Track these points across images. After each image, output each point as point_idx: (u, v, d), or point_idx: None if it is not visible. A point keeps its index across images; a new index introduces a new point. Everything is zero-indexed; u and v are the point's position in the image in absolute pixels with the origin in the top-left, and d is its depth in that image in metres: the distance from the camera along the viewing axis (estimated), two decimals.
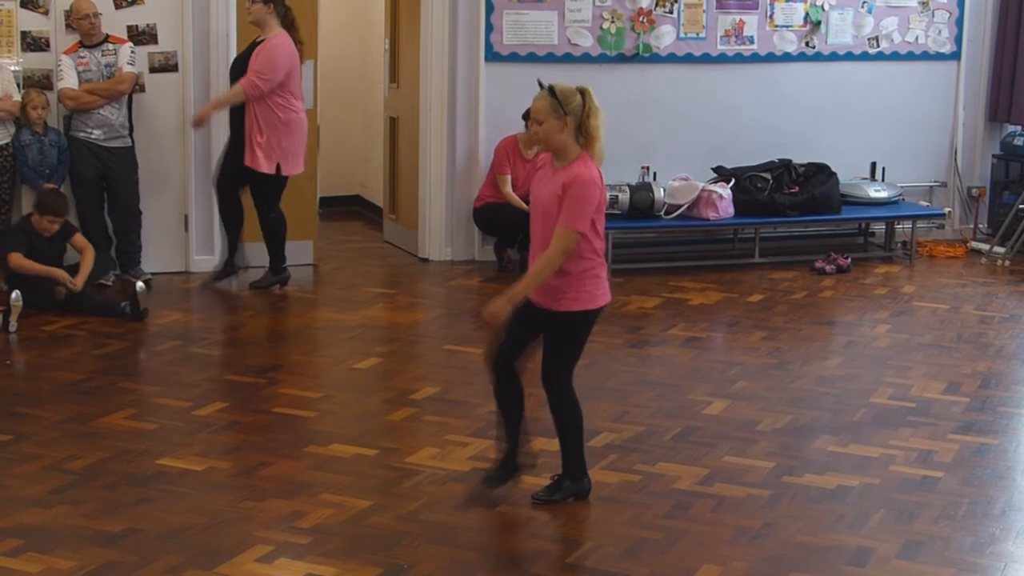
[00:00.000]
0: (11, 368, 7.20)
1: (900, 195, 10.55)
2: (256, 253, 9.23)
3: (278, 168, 8.56)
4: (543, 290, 5.09)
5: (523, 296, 5.04)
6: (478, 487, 5.33)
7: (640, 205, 9.68)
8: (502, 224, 9.53)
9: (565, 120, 4.99)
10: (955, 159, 11.09)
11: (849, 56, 10.68)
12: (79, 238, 8.36)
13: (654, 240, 10.30)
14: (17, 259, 8.05)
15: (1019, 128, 10.90)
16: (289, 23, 8.62)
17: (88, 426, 6.12)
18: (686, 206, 9.72)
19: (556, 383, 5.23)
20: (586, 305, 5.10)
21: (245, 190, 8.78)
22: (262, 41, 8.55)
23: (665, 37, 10.14)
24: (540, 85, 5.10)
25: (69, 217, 8.43)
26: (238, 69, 8.66)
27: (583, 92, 5.04)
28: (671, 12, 10.11)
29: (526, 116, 5.21)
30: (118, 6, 8.96)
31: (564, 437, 5.30)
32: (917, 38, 10.85)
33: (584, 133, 5.03)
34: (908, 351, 7.71)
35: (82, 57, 8.66)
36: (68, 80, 8.63)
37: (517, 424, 5.37)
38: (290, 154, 8.58)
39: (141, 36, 9.01)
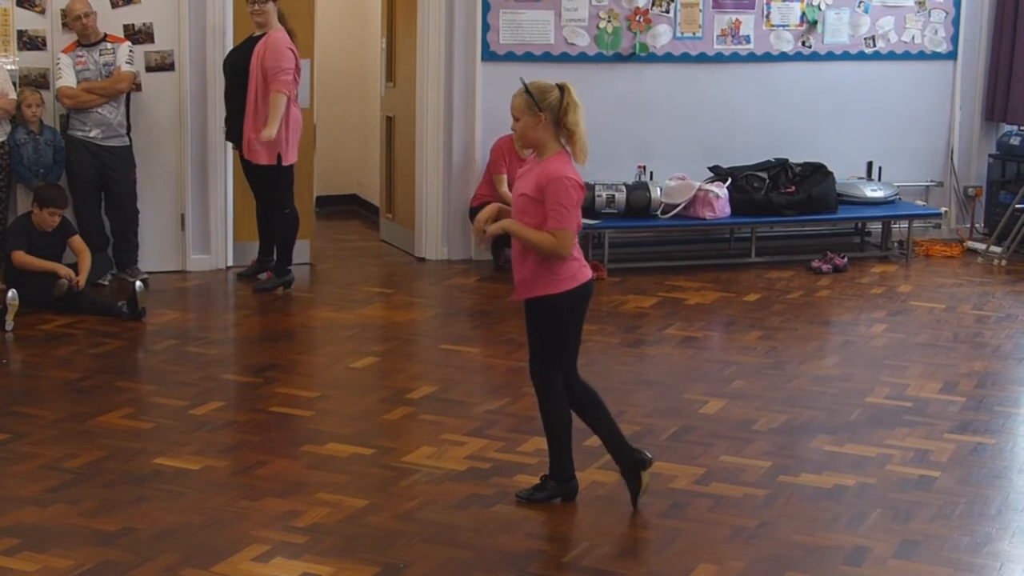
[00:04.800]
0: (8, 367, 7.19)
1: (896, 194, 10.55)
2: (249, 249, 9.25)
3: (279, 159, 8.57)
4: (519, 283, 5.16)
5: (507, 228, 5.05)
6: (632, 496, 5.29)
7: (637, 204, 9.69)
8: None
9: (540, 116, 5.03)
10: (951, 159, 11.09)
11: (846, 56, 10.68)
12: (78, 241, 8.35)
13: (651, 239, 10.31)
14: (20, 256, 8.05)
15: (1015, 127, 10.91)
16: (283, 18, 8.68)
17: (85, 425, 6.12)
18: (683, 205, 9.72)
19: (540, 377, 5.22)
20: (555, 289, 5.09)
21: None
22: (260, 36, 8.57)
23: (662, 36, 10.15)
24: (521, 82, 5.12)
25: (67, 215, 8.42)
26: (235, 65, 8.67)
27: (561, 88, 5.07)
28: (667, 11, 10.11)
29: None
30: (115, 5, 8.96)
31: (549, 436, 5.29)
32: (914, 38, 10.85)
33: (563, 129, 5.06)
34: (904, 350, 7.72)
35: (80, 56, 8.66)
36: (66, 78, 8.63)
37: (607, 429, 5.32)
38: (290, 144, 8.61)
39: (138, 35, 9.01)
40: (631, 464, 5.25)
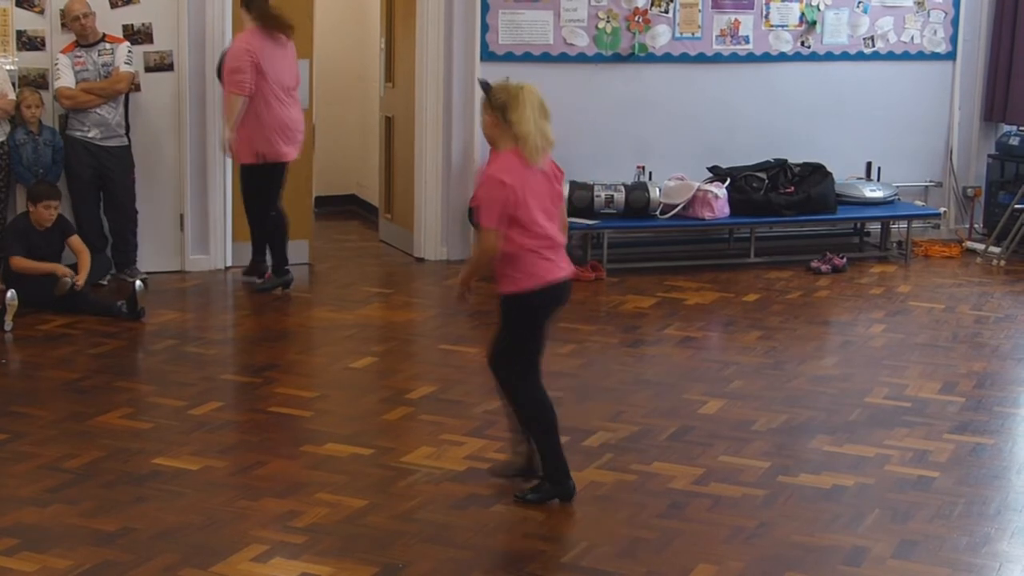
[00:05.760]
0: (7, 367, 7.19)
1: (896, 195, 10.55)
2: (248, 249, 9.25)
3: (261, 158, 8.57)
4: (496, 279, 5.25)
5: (469, 279, 5.25)
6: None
7: (636, 205, 9.69)
8: None
9: (494, 115, 5.14)
10: (951, 159, 11.10)
11: (845, 56, 10.68)
12: (77, 241, 8.35)
13: (650, 240, 10.30)
14: (18, 262, 8.06)
15: (1014, 128, 10.91)
16: (263, 15, 8.54)
17: (84, 425, 6.12)
18: (682, 206, 9.72)
19: (513, 377, 5.26)
20: (513, 287, 5.13)
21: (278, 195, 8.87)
22: None
23: (661, 37, 10.14)
24: (482, 82, 5.28)
25: (66, 215, 8.43)
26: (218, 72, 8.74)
27: (517, 88, 5.15)
28: (667, 12, 10.11)
29: None
30: (114, 5, 8.96)
31: (533, 435, 5.30)
32: (913, 38, 10.85)
33: (510, 126, 5.12)
34: (904, 351, 7.72)
35: (79, 56, 8.66)
36: (65, 79, 8.62)
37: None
38: (271, 142, 8.55)
39: (137, 35, 9.01)
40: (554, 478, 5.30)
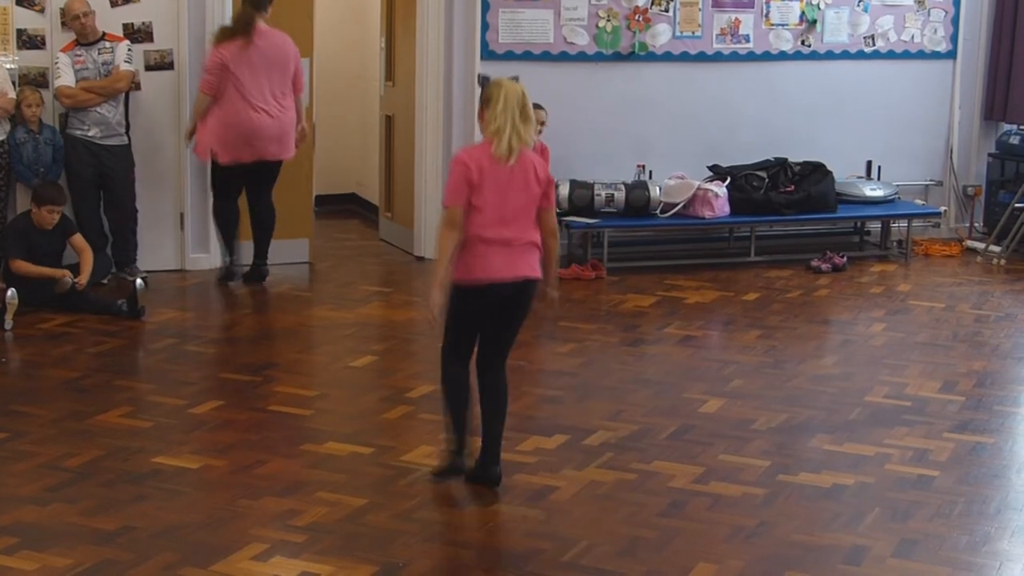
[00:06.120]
0: (7, 366, 7.19)
1: (896, 194, 10.55)
2: (248, 248, 9.24)
3: (213, 156, 8.69)
4: None
5: (443, 276, 5.20)
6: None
7: (636, 203, 9.68)
8: None
9: (481, 108, 5.28)
10: (951, 158, 11.09)
11: (845, 55, 10.68)
12: (79, 239, 8.35)
13: (650, 239, 10.30)
14: (18, 266, 8.05)
15: (1015, 127, 10.91)
16: (241, 24, 8.63)
17: (84, 424, 6.12)
18: (682, 204, 9.72)
19: (441, 355, 5.41)
20: (454, 275, 5.20)
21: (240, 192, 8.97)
22: None
23: (661, 35, 10.14)
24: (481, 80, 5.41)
25: (67, 214, 8.43)
26: None
27: (503, 85, 5.22)
28: (667, 10, 10.10)
29: None
30: (114, 4, 8.95)
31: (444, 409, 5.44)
32: (913, 37, 10.85)
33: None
34: (904, 350, 7.72)
35: (79, 55, 8.66)
36: (65, 78, 8.62)
37: (488, 426, 5.48)
38: (224, 144, 8.61)
39: (137, 34, 9.01)
40: (483, 468, 5.39)
